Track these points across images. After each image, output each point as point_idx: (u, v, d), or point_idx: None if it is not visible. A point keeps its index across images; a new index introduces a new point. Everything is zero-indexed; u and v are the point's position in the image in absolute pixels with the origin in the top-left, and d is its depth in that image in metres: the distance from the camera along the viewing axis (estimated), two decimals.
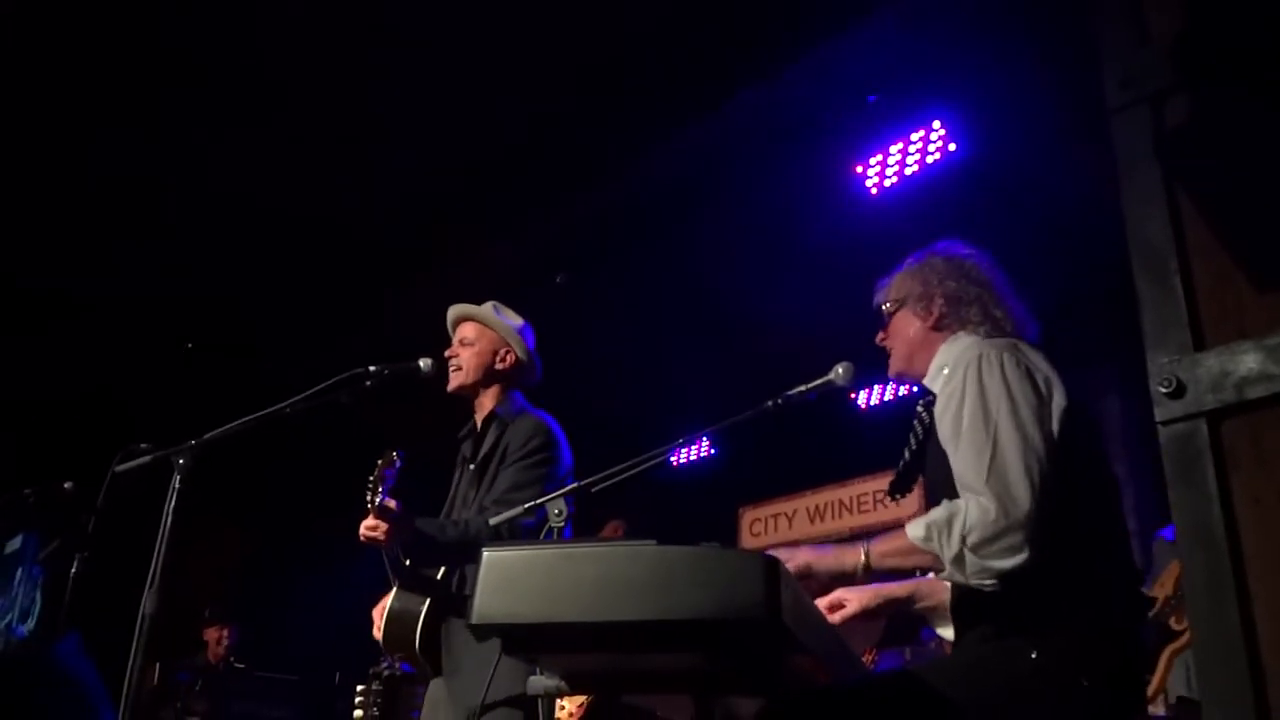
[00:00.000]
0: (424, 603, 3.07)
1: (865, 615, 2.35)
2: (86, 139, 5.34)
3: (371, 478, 2.91)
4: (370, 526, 2.90)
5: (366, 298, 6.54)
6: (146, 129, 5.25)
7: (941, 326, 2.37)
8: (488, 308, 3.51)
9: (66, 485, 4.91)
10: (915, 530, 2.05)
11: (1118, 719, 1.91)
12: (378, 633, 3.18)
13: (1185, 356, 1.72)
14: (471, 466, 3.34)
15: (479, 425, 3.43)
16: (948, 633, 2.35)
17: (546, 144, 5.21)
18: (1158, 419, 1.74)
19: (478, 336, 3.45)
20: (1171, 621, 4.36)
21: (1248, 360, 1.64)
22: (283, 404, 3.09)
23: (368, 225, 5.92)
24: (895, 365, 2.47)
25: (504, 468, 3.22)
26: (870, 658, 4.63)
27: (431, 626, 3.07)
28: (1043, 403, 2.05)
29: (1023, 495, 1.93)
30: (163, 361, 7.16)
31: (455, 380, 3.41)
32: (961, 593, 2.11)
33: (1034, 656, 1.90)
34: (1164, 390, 1.72)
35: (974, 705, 1.86)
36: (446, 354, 3.44)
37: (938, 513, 2.03)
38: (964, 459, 2.05)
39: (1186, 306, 1.76)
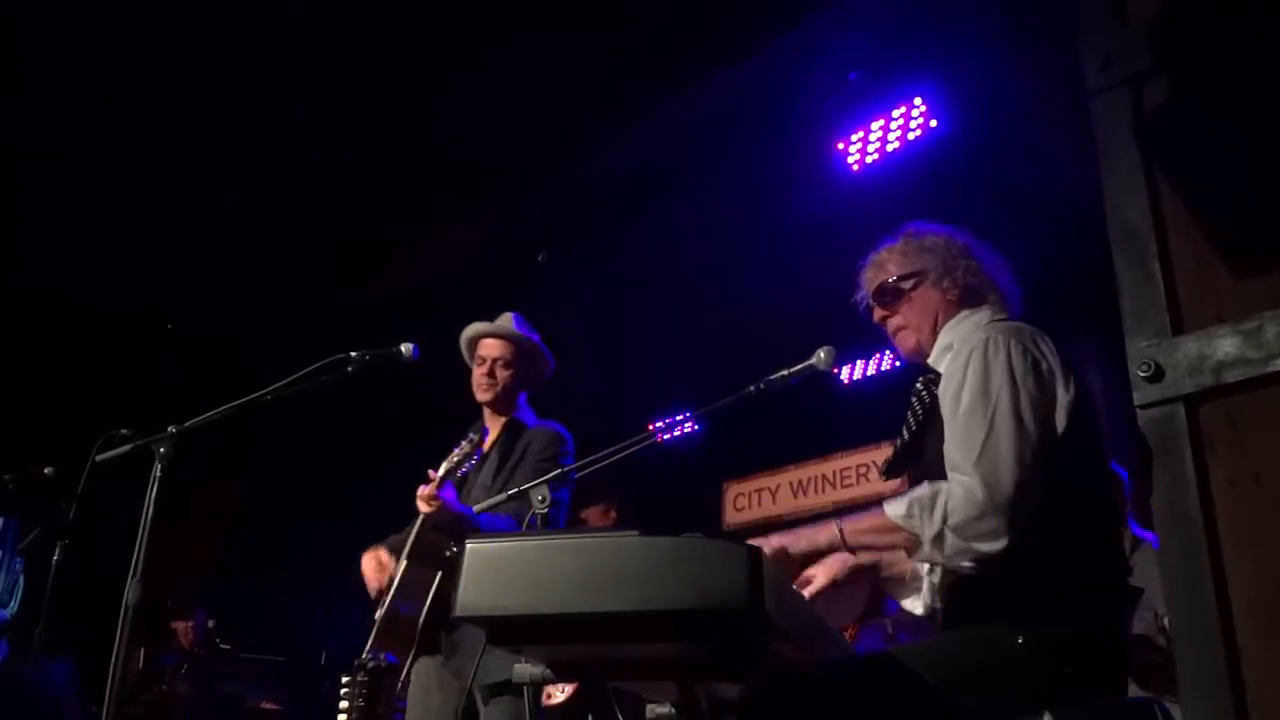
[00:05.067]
0: (434, 578, 3.13)
1: (834, 586, 2.28)
2: (72, 129, 5.28)
3: (458, 448, 3.11)
4: (427, 497, 3.03)
5: (347, 281, 6.49)
6: (130, 112, 5.18)
7: (962, 304, 2.34)
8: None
9: (47, 470, 4.88)
10: (896, 508, 2.03)
11: (1098, 705, 1.92)
12: (374, 580, 3.23)
13: (1164, 340, 1.73)
14: None
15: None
16: (913, 605, 2.34)
17: (526, 123, 5.17)
18: (1136, 403, 1.75)
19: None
20: None
21: (1225, 344, 1.65)
22: (264, 390, 3.07)
23: (349, 207, 5.87)
24: (910, 342, 2.39)
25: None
26: (851, 633, 4.66)
27: (436, 604, 3.12)
28: (1044, 393, 2.02)
29: (1009, 481, 1.91)
30: (145, 345, 7.10)
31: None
32: (951, 577, 2.10)
33: (1020, 641, 1.90)
34: (1142, 374, 1.73)
35: (954, 686, 1.87)
36: None
37: (921, 490, 2.01)
38: (956, 440, 2.03)
39: (1165, 290, 1.77)
